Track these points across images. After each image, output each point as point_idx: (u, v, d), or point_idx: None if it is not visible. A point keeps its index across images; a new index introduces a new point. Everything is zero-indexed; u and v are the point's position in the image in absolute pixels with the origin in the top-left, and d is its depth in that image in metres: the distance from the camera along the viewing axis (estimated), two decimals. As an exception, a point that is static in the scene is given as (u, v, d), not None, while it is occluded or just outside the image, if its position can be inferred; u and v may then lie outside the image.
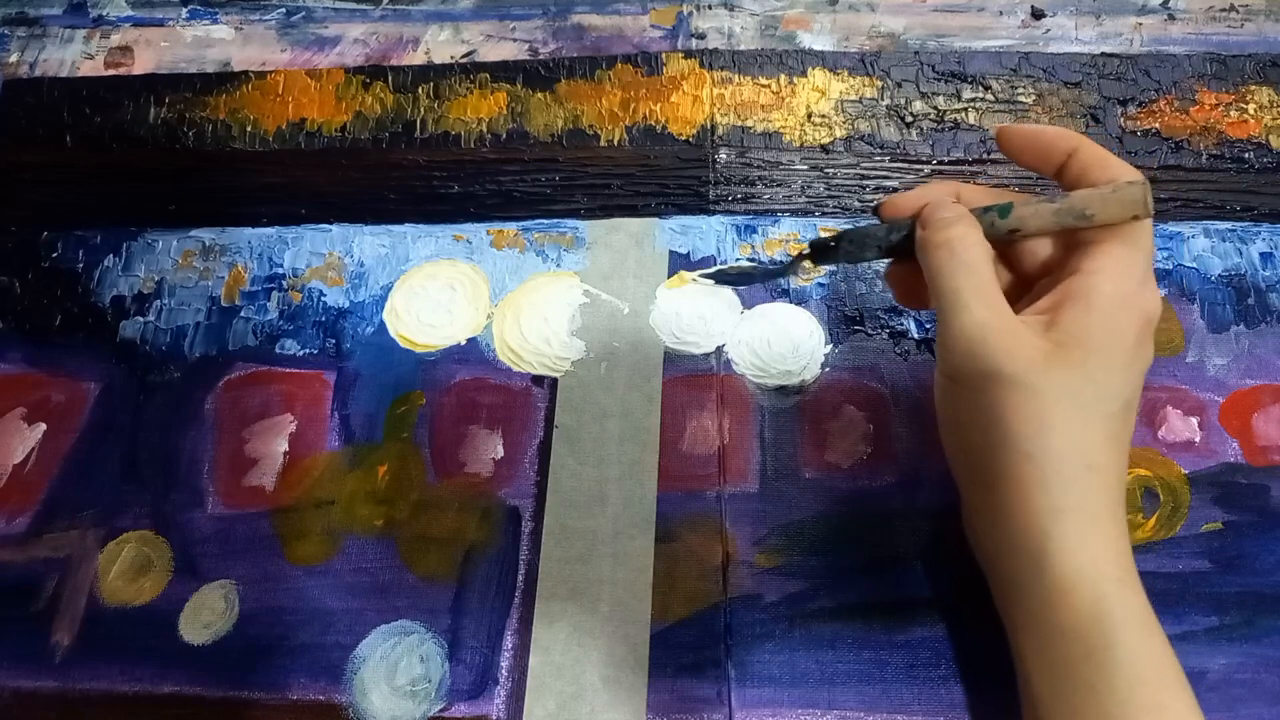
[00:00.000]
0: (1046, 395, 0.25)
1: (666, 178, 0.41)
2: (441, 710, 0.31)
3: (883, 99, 0.42)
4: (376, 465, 0.35)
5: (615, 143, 0.42)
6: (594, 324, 0.38)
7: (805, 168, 0.41)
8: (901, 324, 0.37)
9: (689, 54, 0.43)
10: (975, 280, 0.26)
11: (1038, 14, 0.45)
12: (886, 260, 0.30)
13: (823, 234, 0.34)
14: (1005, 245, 0.28)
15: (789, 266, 0.33)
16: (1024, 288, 0.29)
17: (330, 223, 0.41)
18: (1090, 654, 0.24)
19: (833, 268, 0.38)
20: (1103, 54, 0.43)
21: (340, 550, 0.34)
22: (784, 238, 0.39)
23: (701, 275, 0.35)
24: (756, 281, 0.37)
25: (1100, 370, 0.25)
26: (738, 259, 0.38)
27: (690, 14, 0.45)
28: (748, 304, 0.38)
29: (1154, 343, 0.35)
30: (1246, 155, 0.40)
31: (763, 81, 0.43)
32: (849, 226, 0.31)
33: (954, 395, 0.27)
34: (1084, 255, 0.27)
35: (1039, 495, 0.25)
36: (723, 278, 0.36)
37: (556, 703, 0.31)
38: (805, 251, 0.31)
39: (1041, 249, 0.28)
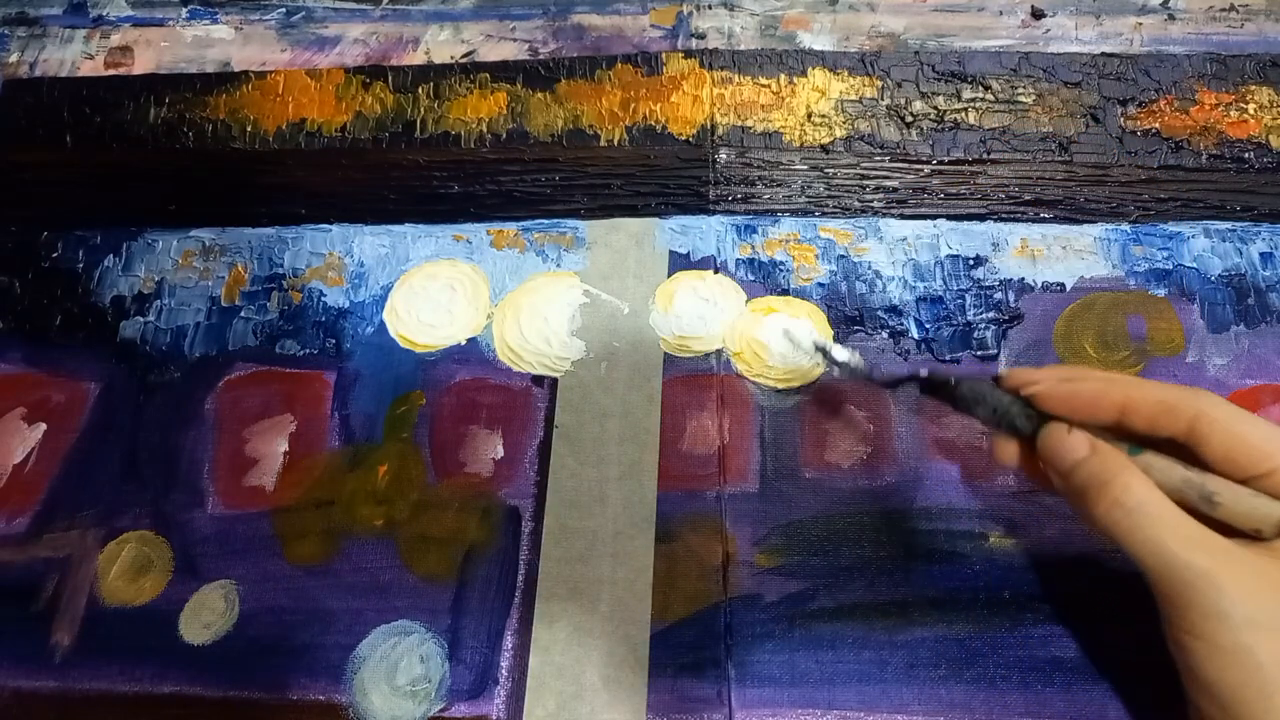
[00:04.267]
0: None
1: (666, 178, 0.41)
2: (441, 710, 0.31)
3: (883, 99, 0.42)
4: (376, 465, 0.35)
5: (615, 143, 0.42)
6: (594, 324, 0.38)
7: (805, 168, 0.41)
8: (902, 324, 0.37)
9: (689, 54, 0.43)
10: (1168, 523, 0.24)
11: (1038, 14, 0.45)
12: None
13: (943, 372, 0.32)
14: None
15: (894, 381, 0.33)
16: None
17: (330, 223, 0.41)
18: None
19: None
20: (1103, 54, 0.43)
21: (340, 550, 0.34)
22: (784, 238, 0.39)
23: (817, 343, 0.35)
24: (857, 376, 0.35)
25: None
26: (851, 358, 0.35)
27: (690, 14, 0.45)
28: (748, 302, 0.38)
29: (1154, 342, 0.36)
30: (1246, 155, 0.40)
31: (763, 81, 0.43)
32: (967, 375, 0.30)
33: (1200, 655, 0.24)
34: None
35: None
36: (827, 354, 0.34)
37: (556, 703, 0.31)
38: (921, 375, 0.31)
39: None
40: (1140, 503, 0.25)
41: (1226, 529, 0.25)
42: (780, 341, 0.37)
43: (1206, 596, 0.24)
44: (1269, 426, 0.26)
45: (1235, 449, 0.25)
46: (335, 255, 0.40)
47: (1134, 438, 0.27)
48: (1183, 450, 0.26)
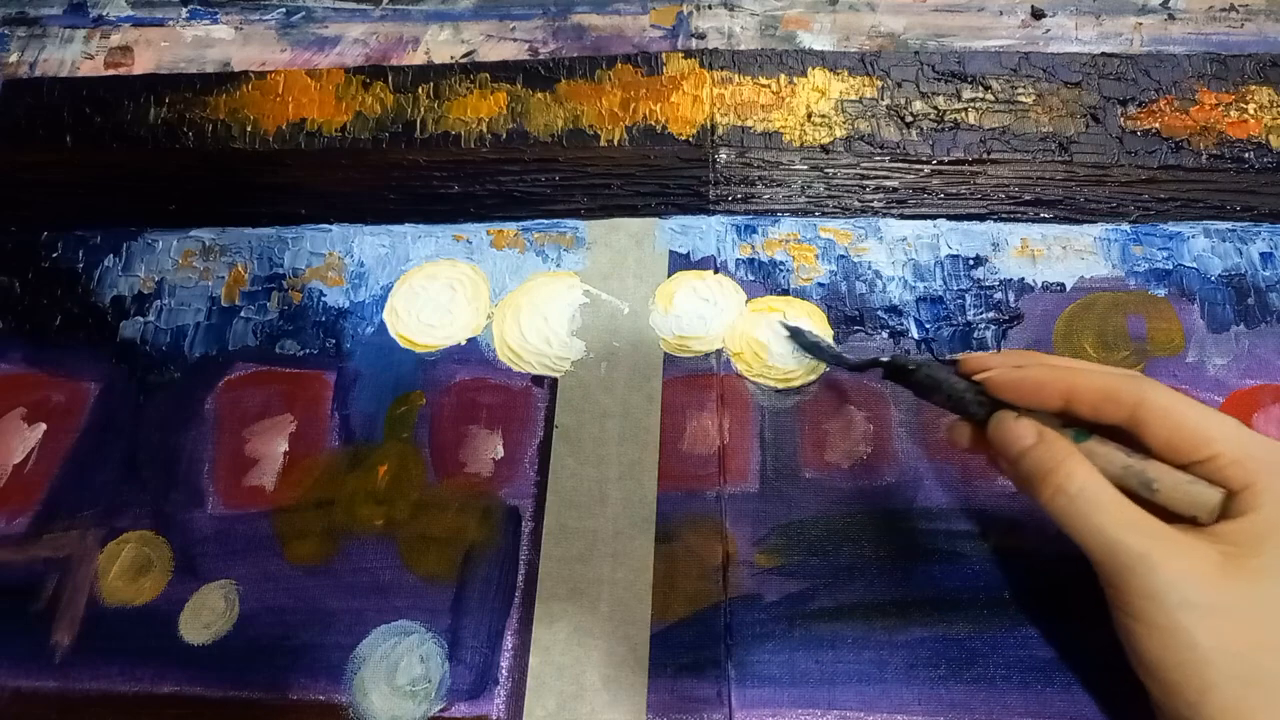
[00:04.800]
0: (1247, 612, 0.24)
1: (666, 178, 0.41)
2: (441, 710, 0.31)
3: (883, 99, 0.42)
4: (376, 465, 0.35)
5: (615, 143, 0.42)
6: (594, 324, 0.38)
7: (805, 168, 0.41)
8: (901, 324, 0.37)
9: (689, 54, 0.43)
10: (1111, 509, 0.25)
11: (1038, 14, 0.45)
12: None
13: (905, 356, 0.33)
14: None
15: (859, 365, 0.33)
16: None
17: (330, 223, 0.41)
18: None
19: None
20: (1103, 54, 0.43)
21: (340, 550, 0.34)
22: (784, 238, 0.39)
23: (785, 323, 0.36)
24: (825, 358, 0.36)
25: None
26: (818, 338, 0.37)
27: (690, 14, 0.45)
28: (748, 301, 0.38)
29: (1154, 343, 0.36)
30: (1246, 155, 0.40)
31: (763, 81, 0.43)
32: (927, 360, 0.31)
33: (1141, 636, 0.25)
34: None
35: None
36: (799, 337, 0.36)
37: (556, 703, 0.31)
38: (883, 360, 0.31)
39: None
40: (1081, 489, 0.25)
41: (1168, 515, 0.26)
42: (767, 333, 0.37)
43: (1143, 578, 0.24)
44: (1210, 413, 0.26)
45: (1176, 435, 0.26)
46: (335, 255, 0.40)
47: (1081, 423, 0.27)
48: (1128, 437, 0.26)
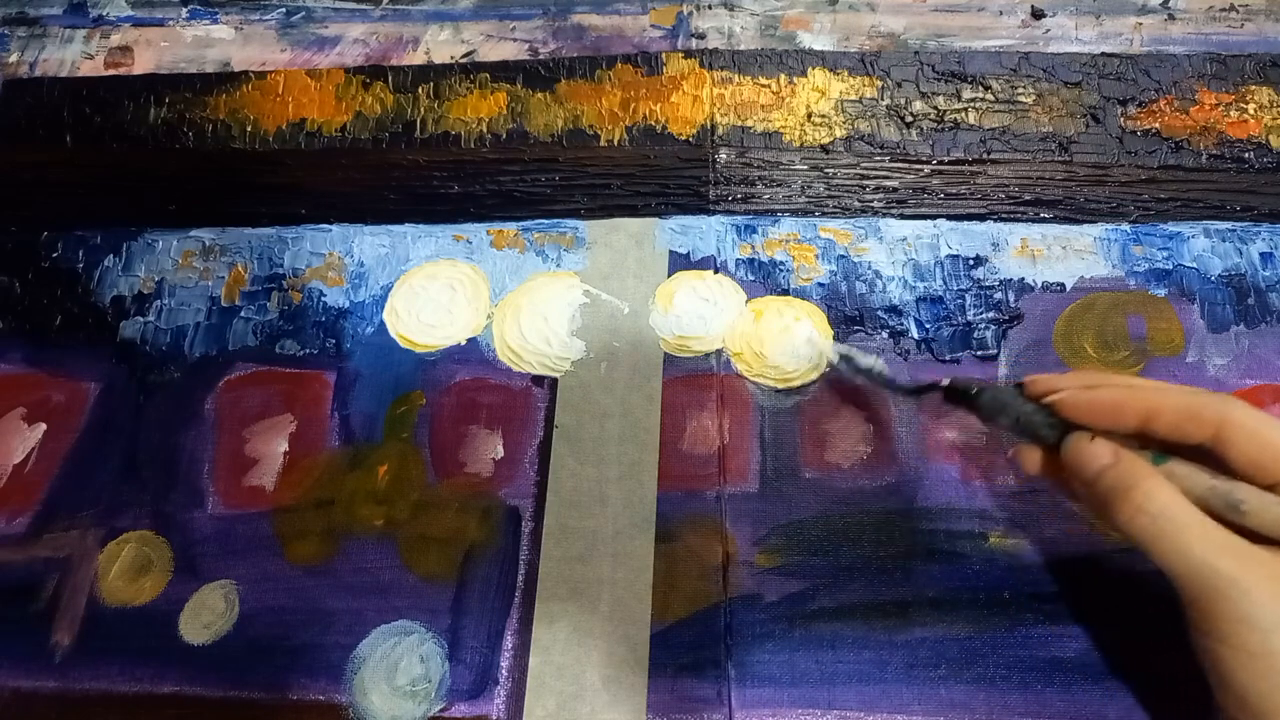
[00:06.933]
0: None
1: (666, 178, 0.41)
2: (441, 710, 0.31)
3: (883, 99, 0.42)
4: (376, 465, 0.35)
5: (615, 143, 0.42)
6: (594, 324, 0.38)
7: (805, 168, 0.41)
8: (901, 324, 0.37)
9: (689, 54, 0.43)
10: (1195, 530, 0.24)
11: (1038, 14, 0.45)
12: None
13: (967, 379, 0.32)
14: None
15: (918, 389, 0.33)
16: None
17: (330, 223, 0.41)
18: None
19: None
20: (1103, 54, 0.43)
21: (340, 550, 0.34)
22: (784, 238, 0.39)
23: (840, 351, 0.35)
24: (880, 384, 0.34)
25: None
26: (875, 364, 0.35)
27: (690, 14, 0.45)
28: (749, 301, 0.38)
29: (1154, 342, 0.36)
30: (1246, 155, 0.40)
31: (763, 81, 0.43)
32: (990, 383, 0.30)
33: (1228, 661, 0.24)
34: None
35: None
36: (851, 363, 0.34)
37: (556, 703, 0.31)
38: (943, 384, 0.31)
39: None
40: (1164, 508, 0.25)
41: (1255, 536, 0.25)
42: (804, 349, 0.36)
43: (1233, 601, 0.23)
44: None
45: (1262, 455, 0.25)
46: (335, 255, 0.40)
47: (1159, 445, 0.27)
48: (1209, 458, 0.26)
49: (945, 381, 0.31)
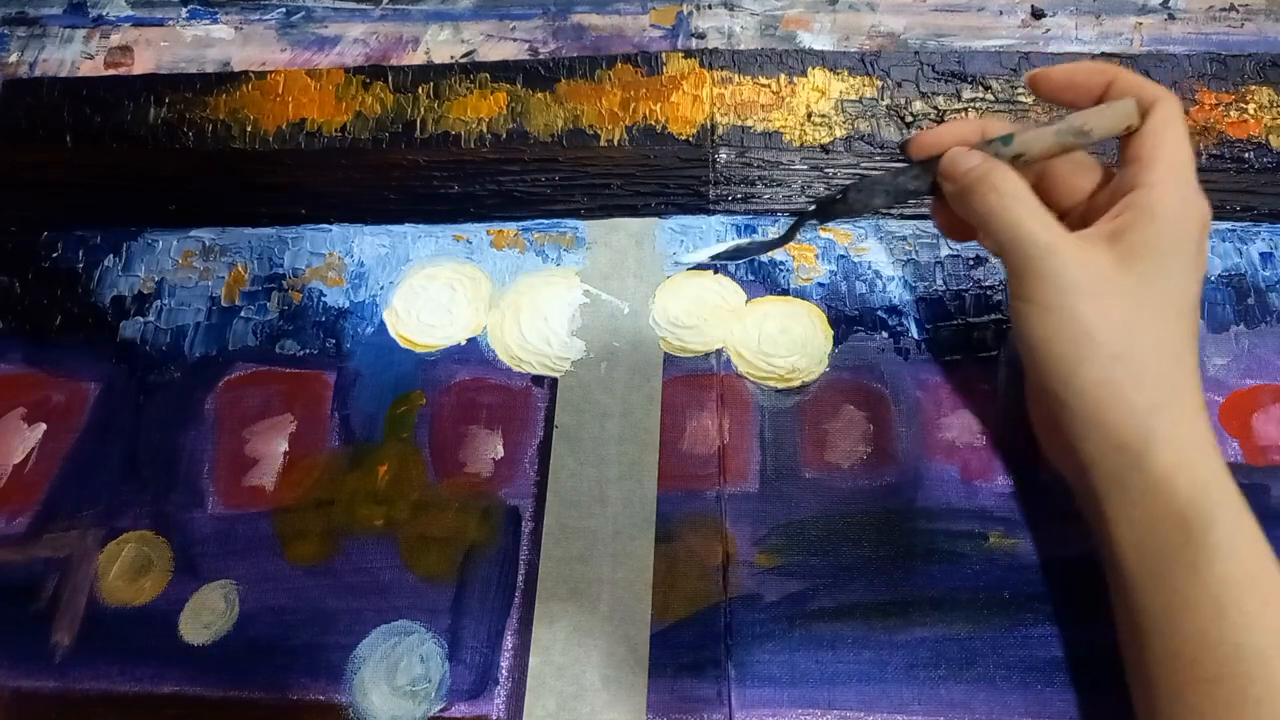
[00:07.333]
0: (1127, 299, 0.27)
1: (666, 178, 0.41)
2: (441, 710, 0.31)
3: (883, 99, 0.42)
4: (376, 465, 0.35)
5: (615, 143, 0.42)
6: (594, 324, 0.38)
7: (805, 168, 0.41)
8: (901, 324, 0.37)
9: (689, 54, 0.43)
10: (1029, 207, 0.28)
11: (1038, 14, 0.45)
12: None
13: (824, 196, 0.34)
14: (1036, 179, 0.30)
15: (790, 233, 0.33)
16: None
17: (330, 223, 0.41)
18: (1191, 537, 0.25)
19: (832, 268, 0.38)
20: (1103, 54, 0.43)
21: (340, 550, 0.34)
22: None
23: (690, 260, 0.36)
24: (755, 255, 0.36)
25: (1171, 274, 0.27)
26: (735, 240, 0.38)
27: (690, 14, 0.45)
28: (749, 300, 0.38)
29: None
30: (1246, 155, 0.40)
31: (763, 81, 0.43)
32: (854, 181, 0.32)
33: (1032, 318, 0.28)
34: (1137, 173, 0.28)
35: (1135, 393, 0.26)
36: (720, 258, 0.35)
37: (556, 703, 0.31)
38: (810, 210, 0.31)
39: (1082, 181, 0.31)
40: (1013, 188, 0.28)
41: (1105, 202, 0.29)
42: (705, 298, 0.37)
43: (1042, 261, 0.27)
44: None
45: (1070, 79, 0.30)
46: (335, 255, 0.40)
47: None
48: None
49: (812, 207, 0.32)
